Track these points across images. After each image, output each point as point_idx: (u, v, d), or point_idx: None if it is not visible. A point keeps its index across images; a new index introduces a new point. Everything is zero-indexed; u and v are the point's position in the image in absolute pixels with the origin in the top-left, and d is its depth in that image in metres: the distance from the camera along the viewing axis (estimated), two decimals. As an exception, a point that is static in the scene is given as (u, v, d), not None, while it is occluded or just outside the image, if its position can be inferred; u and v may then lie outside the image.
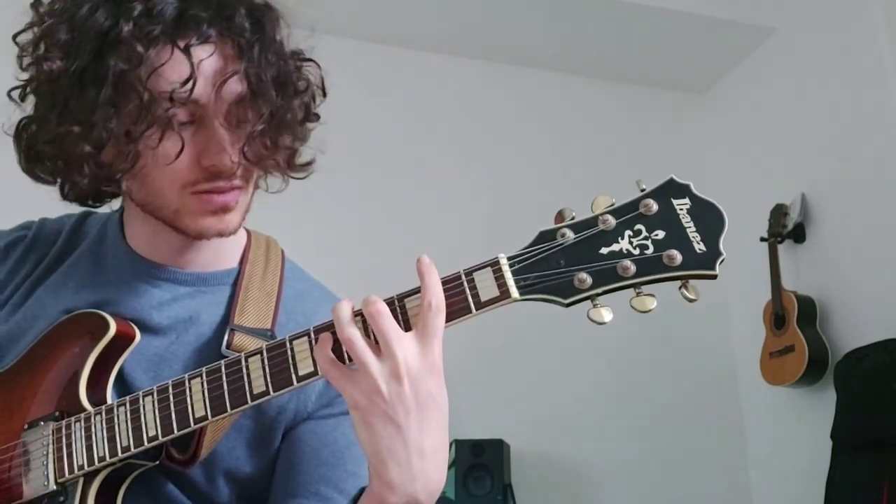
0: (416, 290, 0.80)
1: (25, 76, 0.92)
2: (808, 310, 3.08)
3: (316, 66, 0.99)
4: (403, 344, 0.77)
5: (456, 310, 0.79)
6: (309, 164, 1.02)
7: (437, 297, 0.78)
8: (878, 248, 2.92)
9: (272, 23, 0.93)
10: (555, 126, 3.66)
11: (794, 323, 3.05)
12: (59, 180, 0.98)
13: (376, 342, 0.78)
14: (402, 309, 0.81)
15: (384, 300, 0.80)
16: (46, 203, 1.09)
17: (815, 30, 3.29)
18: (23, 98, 0.92)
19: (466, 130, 3.53)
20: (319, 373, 0.81)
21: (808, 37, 3.32)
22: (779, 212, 3.24)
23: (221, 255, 1.04)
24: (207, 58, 0.86)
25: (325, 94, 1.01)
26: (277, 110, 0.91)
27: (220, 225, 0.93)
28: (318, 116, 1.01)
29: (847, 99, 3.12)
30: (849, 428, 2.78)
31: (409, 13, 3.37)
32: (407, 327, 0.80)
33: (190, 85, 0.84)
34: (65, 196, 1.01)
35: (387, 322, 0.77)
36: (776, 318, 3.13)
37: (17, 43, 0.91)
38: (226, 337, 0.95)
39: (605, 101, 3.76)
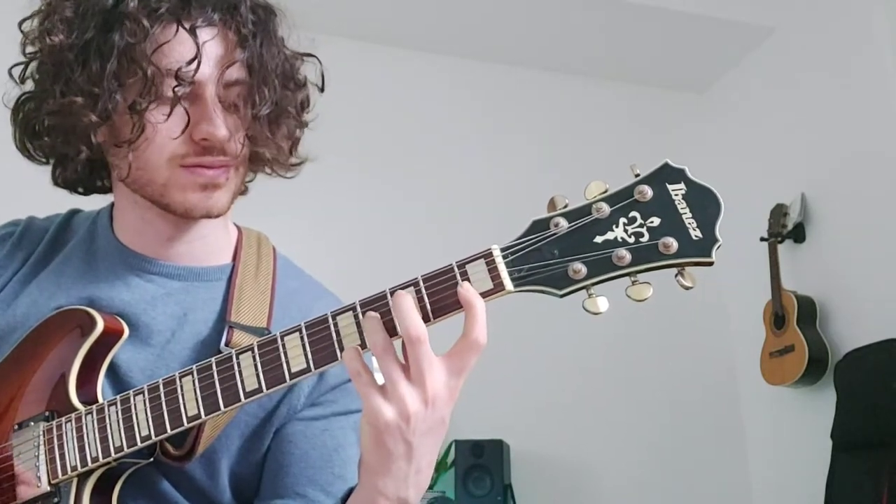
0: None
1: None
2: (808, 310, 3.07)
3: (317, 62, 1.01)
4: (435, 374, 0.76)
5: (449, 304, 0.77)
6: (301, 163, 1.04)
7: (483, 337, 0.76)
8: (878, 248, 2.91)
9: (274, 21, 0.96)
10: (554, 126, 3.65)
11: (794, 323, 3.04)
12: (52, 160, 0.98)
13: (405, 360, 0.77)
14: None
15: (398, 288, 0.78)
16: (36, 203, 1.08)
17: (815, 29, 3.28)
18: (23, 79, 0.93)
19: (464, 130, 3.52)
20: (350, 377, 0.79)
21: (807, 36, 3.32)
22: (779, 212, 3.23)
23: (213, 249, 1.02)
24: (210, 40, 0.89)
25: (322, 90, 1.03)
26: (280, 99, 0.94)
27: (208, 202, 0.92)
28: (306, 124, 1.03)
29: (847, 99, 3.10)
30: (849, 428, 2.77)
31: (409, 13, 3.36)
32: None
33: (195, 64, 0.86)
34: (55, 180, 1.01)
35: (424, 349, 0.76)
36: (776, 318, 3.12)
37: (22, 30, 0.92)
38: (224, 334, 0.93)
39: (604, 101, 3.75)
